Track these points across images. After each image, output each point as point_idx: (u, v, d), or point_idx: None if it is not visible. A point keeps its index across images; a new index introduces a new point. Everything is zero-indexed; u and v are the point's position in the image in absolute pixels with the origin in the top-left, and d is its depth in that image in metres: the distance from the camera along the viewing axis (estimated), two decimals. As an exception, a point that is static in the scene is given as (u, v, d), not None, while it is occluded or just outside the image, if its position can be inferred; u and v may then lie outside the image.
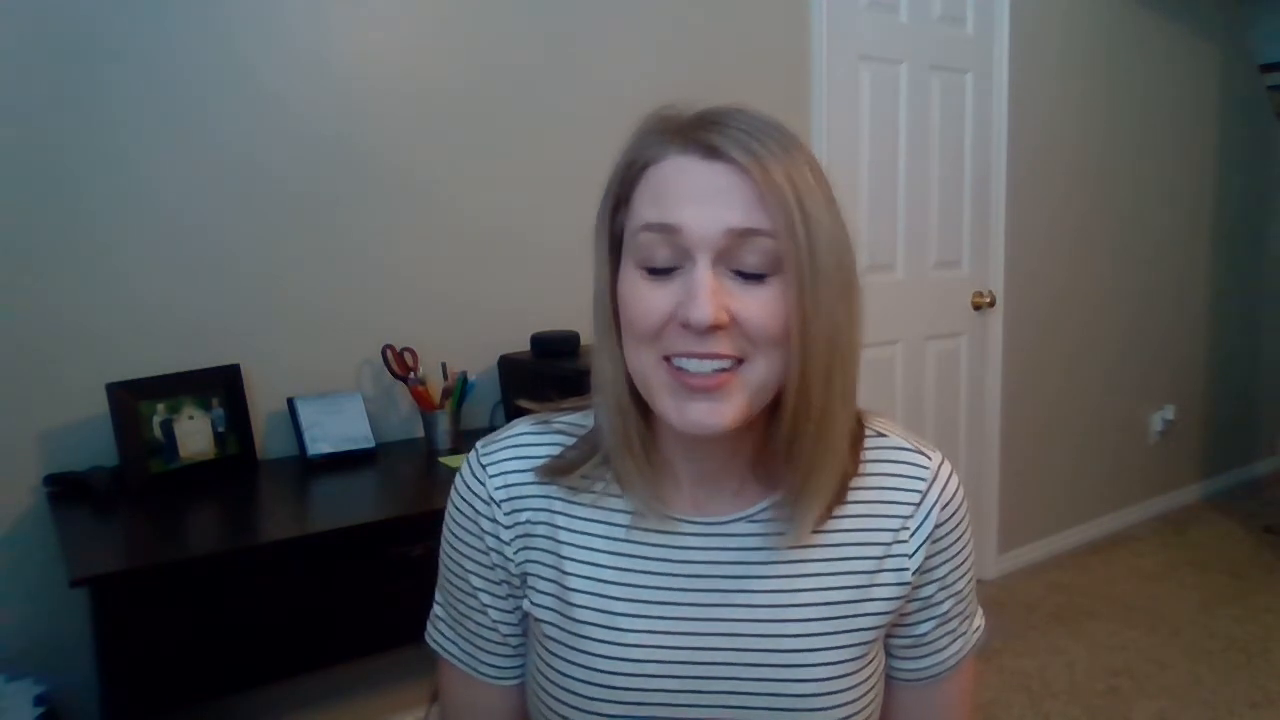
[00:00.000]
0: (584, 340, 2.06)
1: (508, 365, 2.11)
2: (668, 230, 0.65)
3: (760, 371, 0.66)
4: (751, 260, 0.65)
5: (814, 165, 0.68)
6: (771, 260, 0.65)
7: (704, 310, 0.63)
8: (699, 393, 0.66)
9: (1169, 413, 3.85)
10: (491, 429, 2.11)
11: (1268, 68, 4.04)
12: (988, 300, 3.07)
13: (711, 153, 0.65)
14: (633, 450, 0.72)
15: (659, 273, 0.66)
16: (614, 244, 0.71)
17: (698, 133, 0.66)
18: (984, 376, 3.16)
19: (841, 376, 0.68)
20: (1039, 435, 3.33)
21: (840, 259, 0.67)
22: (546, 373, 1.97)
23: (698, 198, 0.65)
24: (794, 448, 0.69)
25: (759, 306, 0.65)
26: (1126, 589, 3.14)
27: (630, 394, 0.71)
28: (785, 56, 2.57)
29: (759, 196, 0.64)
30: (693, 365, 0.66)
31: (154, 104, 1.75)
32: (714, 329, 0.64)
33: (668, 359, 0.66)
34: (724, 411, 0.66)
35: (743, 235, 0.64)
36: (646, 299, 0.66)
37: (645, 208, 0.67)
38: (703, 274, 0.64)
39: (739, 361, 0.66)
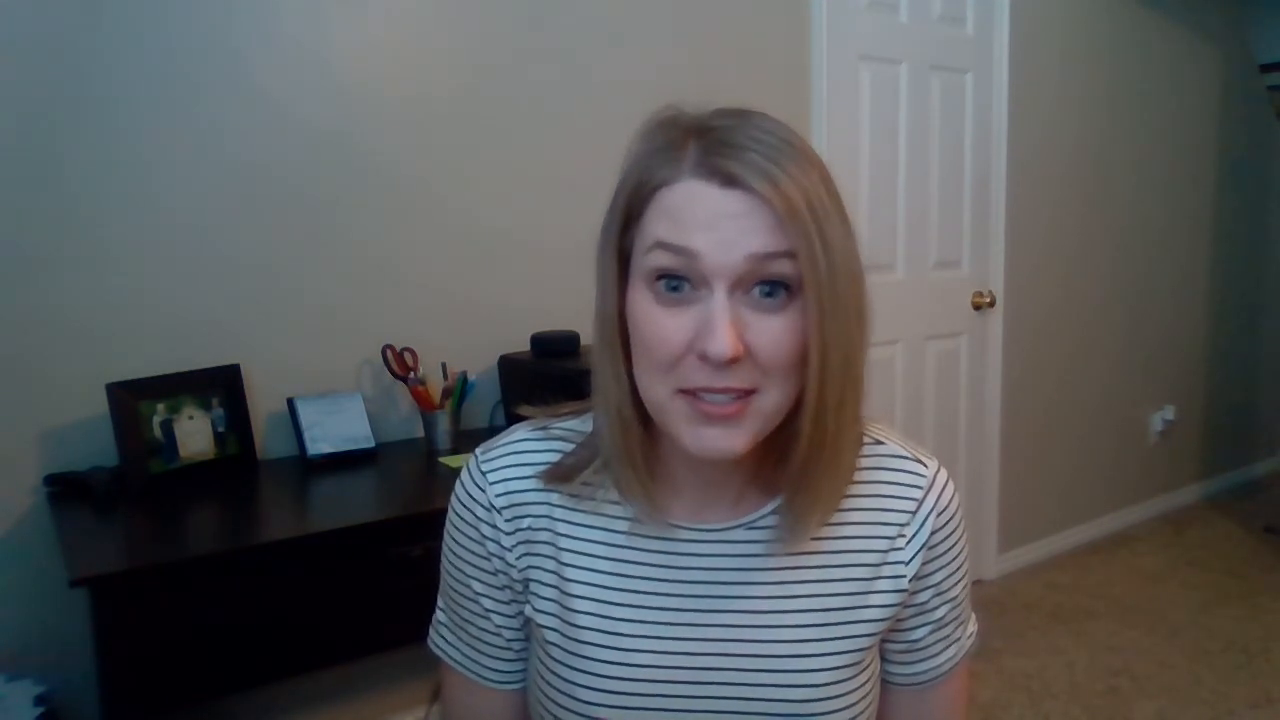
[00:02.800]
0: (584, 340, 2.05)
1: (508, 365, 2.11)
2: (685, 254, 0.64)
3: (772, 400, 0.66)
4: (770, 285, 0.64)
5: (826, 178, 0.66)
6: (791, 281, 0.64)
7: (722, 344, 0.62)
8: (715, 420, 0.65)
9: (1169, 413, 3.85)
10: (491, 429, 2.11)
11: (1268, 68, 4.04)
12: (988, 300, 3.07)
13: (729, 180, 0.63)
14: (634, 462, 0.71)
15: (673, 297, 0.65)
16: (621, 262, 0.69)
17: (713, 158, 0.64)
18: (984, 376, 3.16)
19: (853, 400, 0.68)
20: (1039, 435, 3.33)
21: (854, 281, 0.66)
22: (546, 373, 1.97)
23: (715, 225, 0.63)
24: (807, 472, 0.69)
25: (774, 336, 0.64)
26: (1126, 589, 3.14)
27: (634, 409, 0.70)
28: (785, 56, 2.57)
29: (778, 222, 0.63)
30: (708, 397, 0.65)
31: (154, 104, 1.74)
32: (731, 361, 0.63)
33: (682, 392, 0.65)
34: (736, 439, 0.66)
35: (765, 259, 0.63)
36: (662, 327, 0.65)
37: (659, 227, 0.65)
38: (720, 304, 0.63)
39: (750, 392, 0.65)
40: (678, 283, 0.65)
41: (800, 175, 0.64)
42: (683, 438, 0.66)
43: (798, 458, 0.68)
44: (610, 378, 0.70)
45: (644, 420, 0.71)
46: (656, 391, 0.66)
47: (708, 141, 0.65)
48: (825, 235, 0.63)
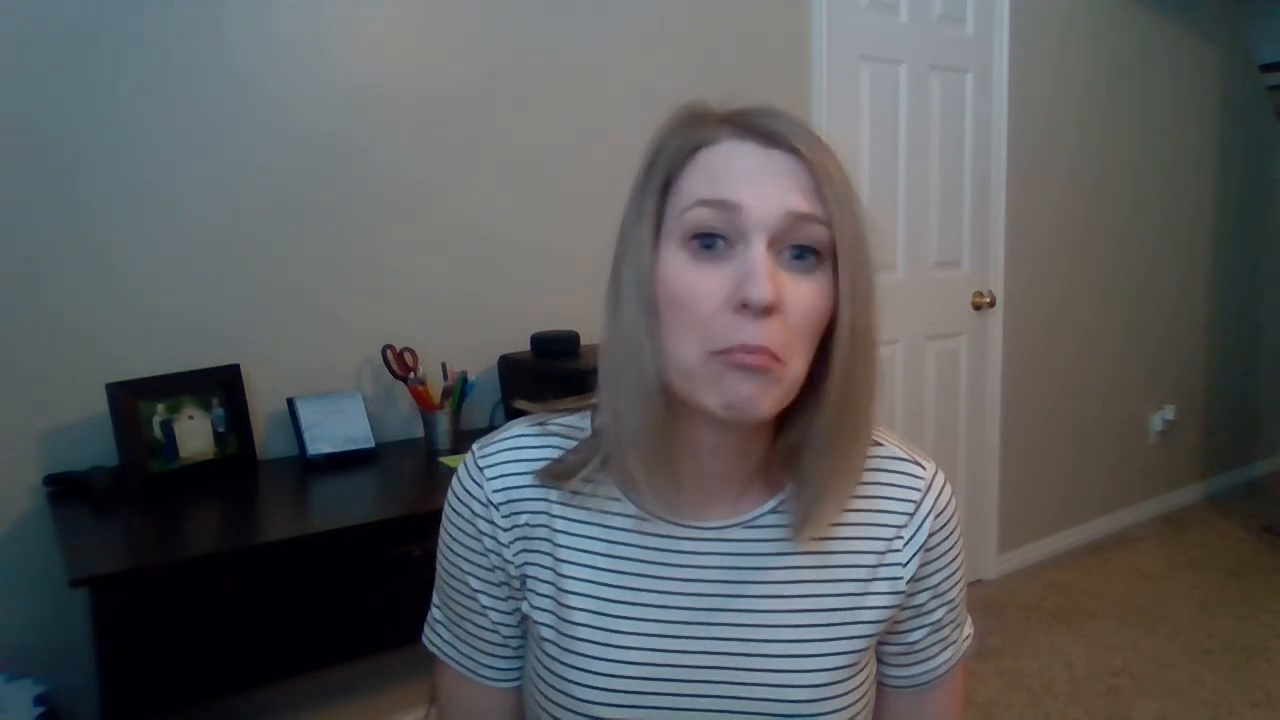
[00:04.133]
0: (584, 340, 2.06)
1: (508, 365, 2.11)
2: (726, 207, 0.65)
3: (795, 369, 0.67)
4: (802, 247, 0.66)
5: (843, 165, 0.69)
6: (821, 248, 0.66)
7: (763, 289, 0.63)
8: (749, 370, 0.64)
9: (1169, 413, 3.85)
10: (491, 429, 2.10)
11: (1268, 68, 4.04)
12: (988, 300, 3.07)
13: (770, 139, 0.66)
14: (646, 439, 0.69)
15: (709, 254, 0.66)
16: (655, 226, 0.68)
17: (752, 120, 0.67)
18: (984, 376, 3.16)
19: (875, 370, 0.69)
20: (1039, 435, 3.34)
21: (871, 256, 0.68)
22: (546, 373, 1.97)
23: (758, 179, 0.65)
24: (829, 440, 0.69)
25: (805, 298, 0.65)
26: (1126, 589, 3.14)
27: (660, 377, 0.68)
28: (785, 56, 2.57)
29: (816, 185, 0.65)
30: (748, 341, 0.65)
31: (154, 104, 1.75)
32: (769, 311, 0.63)
33: (714, 354, 0.64)
34: (764, 398, 0.65)
35: (801, 219, 0.65)
36: (699, 283, 0.65)
37: (699, 186, 0.67)
38: (759, 254, 0.64)
39: (779, 360, 0.65)
40: (713, 240, 0.66)
41: (828, 150, 0.67)
42: (709, 400, 0.65)
43: (822, 423, 0.68)
44: (645, 340, 0.67)
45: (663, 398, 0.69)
46: (688, 353, 0.66)
47: (741, 114, 0.68)
48: (854, 208, 0.66)
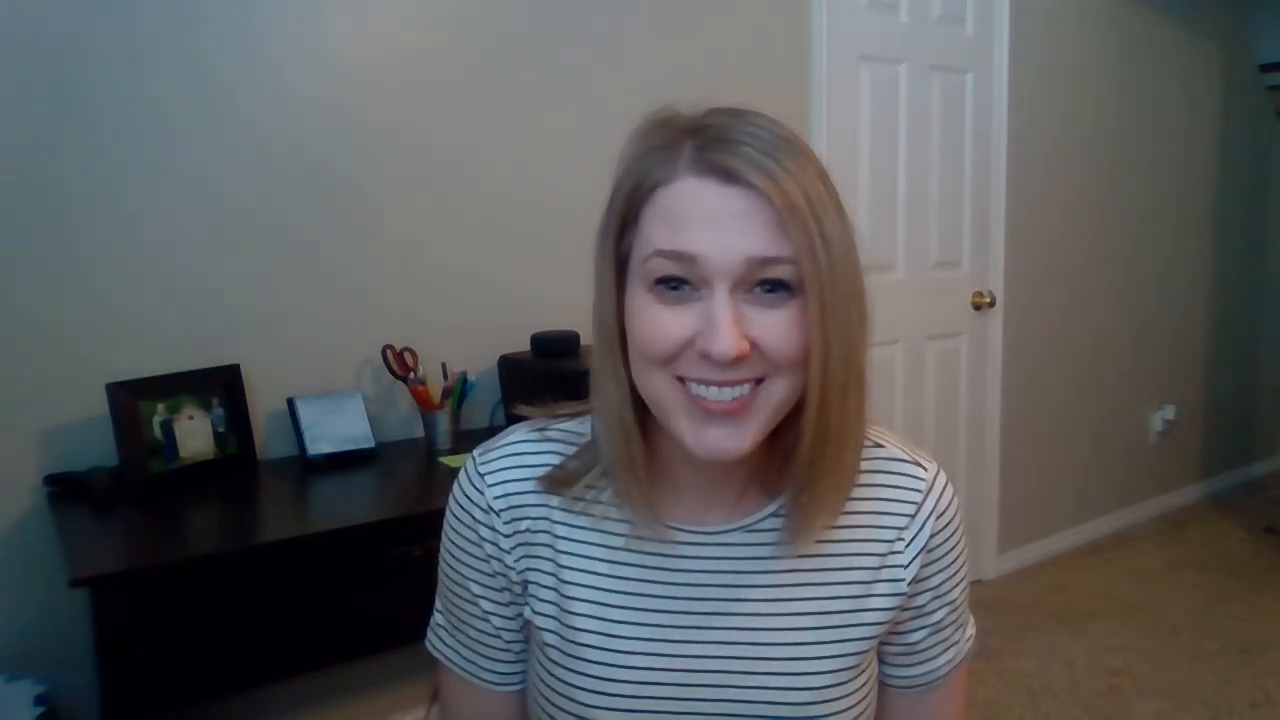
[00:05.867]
0: (584, 340, 2.06)
1: (508, 365, 2.11)
2: (684, 258, 0.63)
3: (780, 390, 0.65)
4: (771, 284, 0.63)
5: (822, 172, 0.66)
6: (791, 281, 0.63)
7: (725, 343, 0.61)
8: (718, 417, 0.65)
9: (1169, 413, 3.85)
10: (491, 429, 2.11)
11: (1268, 68, 4.04)
12: (988, 300, 3.07)
13: (727, 176, 0.63)
14: (634, 469, 0.70)
15: (674, 295, 0.64)
16: (618, 266, 0.68)
17: (709, 154, 0.63)
18: (984, 376, 3.15)
19: (856, 395, 0.68)
20: (1039, 435, 3.33)
21: (853, 275, 0.65)
22: (546, 373, 1.97)
23: (715, 224, 0.62)
24: (812, 470, 0.68)
25: (779, 329, 0.63)
26: (1126, 589, 3.14)
27: (634, 413, 0.69)
28: (785, 56, 2.57)
29: (778, 221, 0.62)
30: (712, 393, 0.64)
31: (155, 104, 1.74)
32: (735, 361, 0.62)
33: (681, 379, 0.65)
34: (743, 436, 0.65)
35: (763, 263, 0.63)
36: (661, 324, 0.64)
37: (657, 232, 0.64)
38: (722, 304, 0.62)
39: (759, 381, 0.65)
40: (678, 284, 0.64)
41: (798, 170, 0.63)
42: (685, 437, 0.66)
43: (803, 455, 0.68)
44: (611, 384, 0.69)
45: (644, 425, 0.71)
46: (654, 383, 0.66)
47: (703, 139, 0.64)
48: (825, 232, 0.63)
